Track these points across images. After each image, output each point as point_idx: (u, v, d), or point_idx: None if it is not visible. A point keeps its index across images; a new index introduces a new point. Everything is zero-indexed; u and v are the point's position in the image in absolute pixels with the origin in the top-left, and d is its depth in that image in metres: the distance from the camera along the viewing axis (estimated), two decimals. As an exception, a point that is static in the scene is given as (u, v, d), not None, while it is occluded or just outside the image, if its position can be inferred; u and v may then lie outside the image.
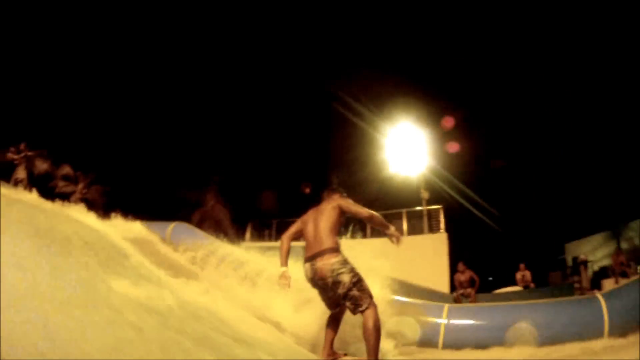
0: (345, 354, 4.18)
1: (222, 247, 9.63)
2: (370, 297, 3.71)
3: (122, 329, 2.13)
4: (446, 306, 6.48)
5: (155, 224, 11.79)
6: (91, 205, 21.71)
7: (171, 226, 11.73)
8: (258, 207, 22.73)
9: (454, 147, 22.25)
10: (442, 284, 13.62)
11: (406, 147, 19.55)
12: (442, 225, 16.45)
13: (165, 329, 2.64)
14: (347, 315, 4.09)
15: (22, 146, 18.79)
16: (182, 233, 11.08)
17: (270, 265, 7.49)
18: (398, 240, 4.22)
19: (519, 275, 12.43)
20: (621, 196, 18.73)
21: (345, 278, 3.69)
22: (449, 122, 22.57)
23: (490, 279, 20.84)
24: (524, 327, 5.42)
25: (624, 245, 15.98)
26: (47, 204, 8.62)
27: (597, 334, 5.06)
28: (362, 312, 3.61)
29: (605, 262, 15.07)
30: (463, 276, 11.65)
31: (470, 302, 10.90)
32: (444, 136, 21.48)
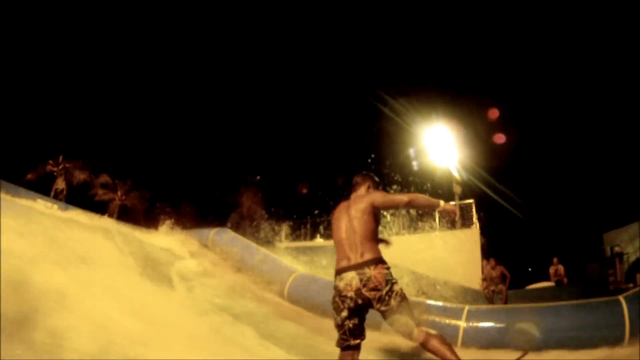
0: None
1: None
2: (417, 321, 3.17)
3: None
4: (465, 308, 6.31)
5: (200, 230, 12.08)
6: (131, 211, 22.44)
7: (213, 232, 11.89)
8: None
9: (500, 138, 21.77)
10: (475, 279, 13.30)
11: (439, 142, 19.25)
12: (475, 220, 16.09)
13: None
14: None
15: (60, 158, 19.50)
16: (223, 238, 11.15)
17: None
18: (454, 215, 3.56)
19: (552, 270, 12.05)
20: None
21: (398, 289, 3.18)
22: (490, 114, 22.09)
23: (530, 269, 20.23)
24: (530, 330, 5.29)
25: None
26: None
27: (617, 339, 4.84)
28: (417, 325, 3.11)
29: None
30: (494, 272, 11.31)
31: (502, 298, 10.63)
32: (477, 130, 20.97)
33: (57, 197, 17.00)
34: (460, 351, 5.71)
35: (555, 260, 12.10)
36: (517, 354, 5.36)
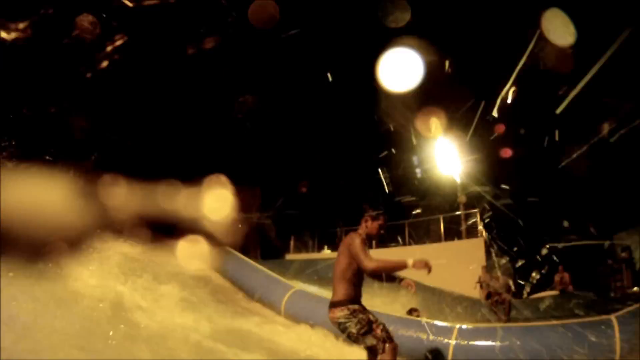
0: None
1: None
2: (384, 341, 3.52)
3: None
4: (456, 327, 6.09)
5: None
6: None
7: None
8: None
9: (500, 128, 21.43)
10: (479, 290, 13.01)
11: (443, 152, 19.05)
12: (480, 229, 15.80)
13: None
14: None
15: None
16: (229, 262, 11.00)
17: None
18: (428, 267, 3.66)
19: (557, 278, 11.75)
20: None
21: (353, 329, 3.54)
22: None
23: (544, 271, 19.63)
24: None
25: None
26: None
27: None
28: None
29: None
30: (498, 282, 11.05)
31: (504, 309, 10.37)
32: (481, 139, 20.61)
33: None
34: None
35: (560, 268, 11.78)
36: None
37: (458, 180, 18.25)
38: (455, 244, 15.87)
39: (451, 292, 12.33)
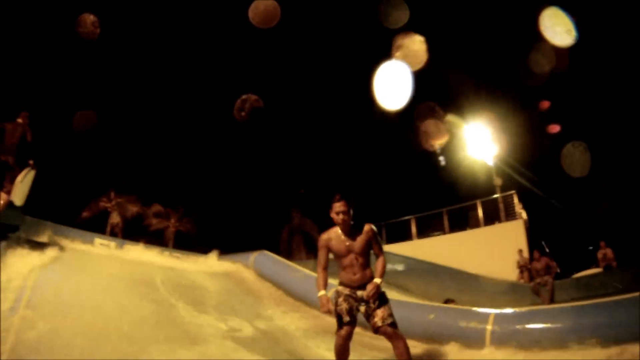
0: None
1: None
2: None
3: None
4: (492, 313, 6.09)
5: (240, 255, 12.38)
6: (186, 237, 23.08)
7: (253, 255, 12.15)
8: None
9: (554, 128, 21.12)
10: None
11: (476, 136, 18.85)
12: (518, 211, 15.51)
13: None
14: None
15: (111, 194, 20.23)
16: (263, 262, 11.29)
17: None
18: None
19: (600, 254, 11.42)
20: None
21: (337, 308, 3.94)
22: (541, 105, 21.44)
23: (591, 247, 19.10)
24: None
25: None
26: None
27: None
28: None
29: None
30: (539, 264, 10.85)
31: (548, 290, 10.20)
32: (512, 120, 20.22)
33: (113, 231, 17.69)
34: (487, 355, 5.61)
35: (602, 244, 11.45)
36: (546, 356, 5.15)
37: (492, 164, 18.05)
38: (495, 227, 15.66)
39: (492, 278, 12.22)
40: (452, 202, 17.64)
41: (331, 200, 4.03)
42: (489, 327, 5.83)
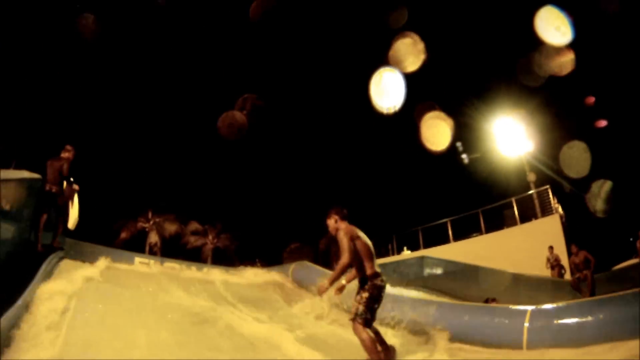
0: None
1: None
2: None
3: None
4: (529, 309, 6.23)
5: (279, 266, 12.79)
6: (224, 252, 23.65)
7: (292, 267, 12.54)
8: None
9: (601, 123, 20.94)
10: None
11: (507, 133, 18.79)
12: (554, 205, 15.36)
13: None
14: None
15: (149, 214, 20.84)
16: (301, 272, 11.60)
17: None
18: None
19: (639, 244, 11.25)
20: None
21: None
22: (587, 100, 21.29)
23: (631, 239, 18.62)
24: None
25: None
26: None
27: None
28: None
29: None
30: (577, 258, 10.73)
31: (587, 285, 10.14)
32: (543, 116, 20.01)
33: (152, 250, 18.18)
34: (525, 353, 5.74)
35: (640, 233, 11.28)
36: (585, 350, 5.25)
37: (525, 160, 17.94)
38: (532, 224, 15.55)
39: (531, 276, 12.17)
40: (486, 202, 17.60)
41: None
42: (526, 324, 5.97)
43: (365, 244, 4.65)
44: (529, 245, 14.26)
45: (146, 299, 6.61)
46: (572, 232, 14.60)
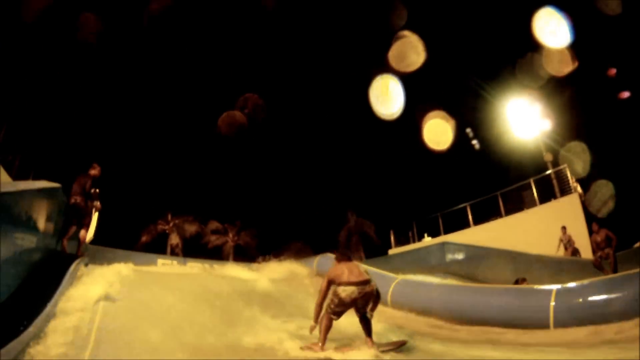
0: None
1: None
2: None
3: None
4: (554, 289, 6.36)
5: (306, 259, 13.07)
6: (245, 250, 23.94)
7: (316, 259, 12.80)
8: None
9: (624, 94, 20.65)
10: (583, 247, 12.66)
11: (521, 114, 18.73)
12: (573, 184, 15.26)
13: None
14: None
15: (169, 216, 21.08)
16: (325, 264, 11.79)
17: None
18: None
19: (661, 221, 11.20)
20: None
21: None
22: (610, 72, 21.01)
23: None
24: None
25: None
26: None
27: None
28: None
29: None
30: (599, 236, 10.63)
31: (610, 263, 10.13)
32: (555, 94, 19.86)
33: (173, 252, 18.45)
34: (553, 332, 5.86)
35: (664, 209, 11.23)
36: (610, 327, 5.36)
37: (541, 140, 17.86)
38: (551, 204, 15.46)
39: (553, 257, 12.22)
40: (504, 185, 17.55)
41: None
42: (552, 302, 6.11)
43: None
44: (549, 226, 14.19)
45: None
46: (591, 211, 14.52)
